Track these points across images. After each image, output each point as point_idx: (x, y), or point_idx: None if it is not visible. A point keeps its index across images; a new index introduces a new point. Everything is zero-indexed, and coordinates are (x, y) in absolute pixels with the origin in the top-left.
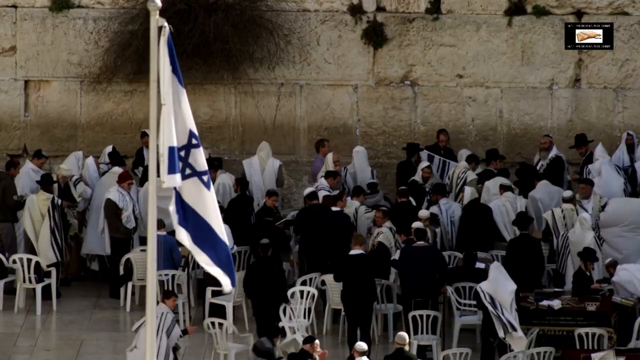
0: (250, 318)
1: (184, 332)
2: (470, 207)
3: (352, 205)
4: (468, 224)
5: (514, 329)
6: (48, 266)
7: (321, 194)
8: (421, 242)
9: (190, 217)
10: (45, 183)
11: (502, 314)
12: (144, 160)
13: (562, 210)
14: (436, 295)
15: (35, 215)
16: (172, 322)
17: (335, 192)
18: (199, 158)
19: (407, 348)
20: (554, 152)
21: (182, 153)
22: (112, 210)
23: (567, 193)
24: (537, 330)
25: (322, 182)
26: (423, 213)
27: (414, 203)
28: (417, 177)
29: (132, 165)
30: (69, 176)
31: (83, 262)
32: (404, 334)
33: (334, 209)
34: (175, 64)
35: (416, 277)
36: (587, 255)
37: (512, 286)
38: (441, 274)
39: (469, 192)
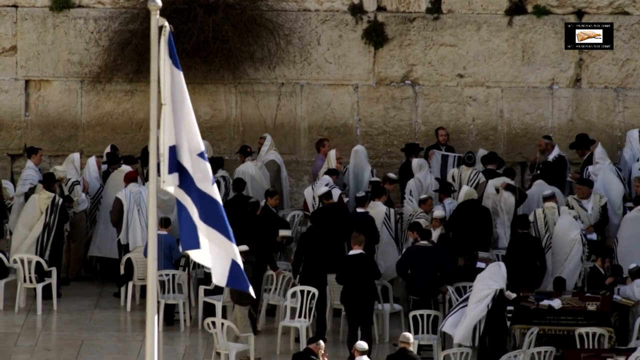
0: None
1: None
2: (463, 207)
3: (376, 207)
4: (457, 222)
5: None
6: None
7: (335, 192)
8: (425, 242)
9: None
10: (47, 182)
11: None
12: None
13: (542, 210)
14: (436, 294)
15: (35, 213)
16: None
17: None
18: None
19: (410, 348)
20: (555, 152)
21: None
22: None
23: (547, 192)
24: (537, 330)
25: (327, 178)
26: (438, 213)
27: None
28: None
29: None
30: (63, 178)
31: (83, 262)
32: (408, 333)
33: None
34: (177, 62)
35: (418, 278)
36: (604, 251)
37: (494, 285)
38: (443, 273)
39: (463, 192)
